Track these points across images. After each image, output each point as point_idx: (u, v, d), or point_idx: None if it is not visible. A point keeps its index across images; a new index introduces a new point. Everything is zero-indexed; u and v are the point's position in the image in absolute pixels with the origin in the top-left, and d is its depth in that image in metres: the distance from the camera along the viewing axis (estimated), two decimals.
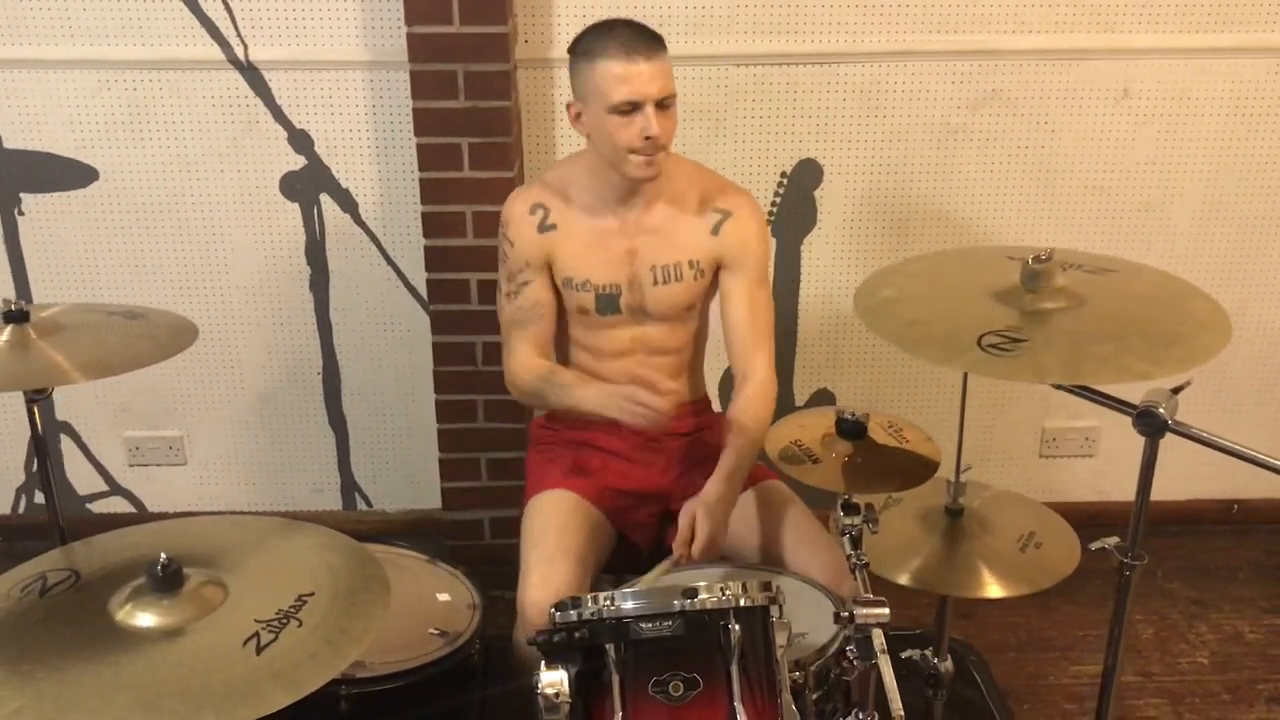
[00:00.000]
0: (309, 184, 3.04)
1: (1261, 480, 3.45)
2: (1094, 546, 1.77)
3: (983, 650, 2.91)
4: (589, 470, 2.29)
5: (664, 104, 2.08)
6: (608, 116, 2.07)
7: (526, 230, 2.23)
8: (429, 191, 2.92)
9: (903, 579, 1.83)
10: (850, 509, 1.71)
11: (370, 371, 3.24)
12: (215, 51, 2.91)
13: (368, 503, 3.39)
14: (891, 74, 2.98)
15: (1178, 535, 3.39)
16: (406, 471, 3.35)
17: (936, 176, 3.08)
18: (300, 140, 3.00)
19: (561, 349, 2.37)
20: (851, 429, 1.82)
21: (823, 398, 3.28)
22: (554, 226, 2.23)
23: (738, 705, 1.54)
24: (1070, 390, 1.63)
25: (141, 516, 3.35)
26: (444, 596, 2.12)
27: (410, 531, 3.36)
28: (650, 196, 2.21)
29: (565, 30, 2.91)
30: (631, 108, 2.05)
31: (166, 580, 1.58)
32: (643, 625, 1.54)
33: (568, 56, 2.87)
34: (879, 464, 1.79)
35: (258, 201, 3.05)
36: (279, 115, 2.98)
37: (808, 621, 1.85)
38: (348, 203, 3.06)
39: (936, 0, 2.91)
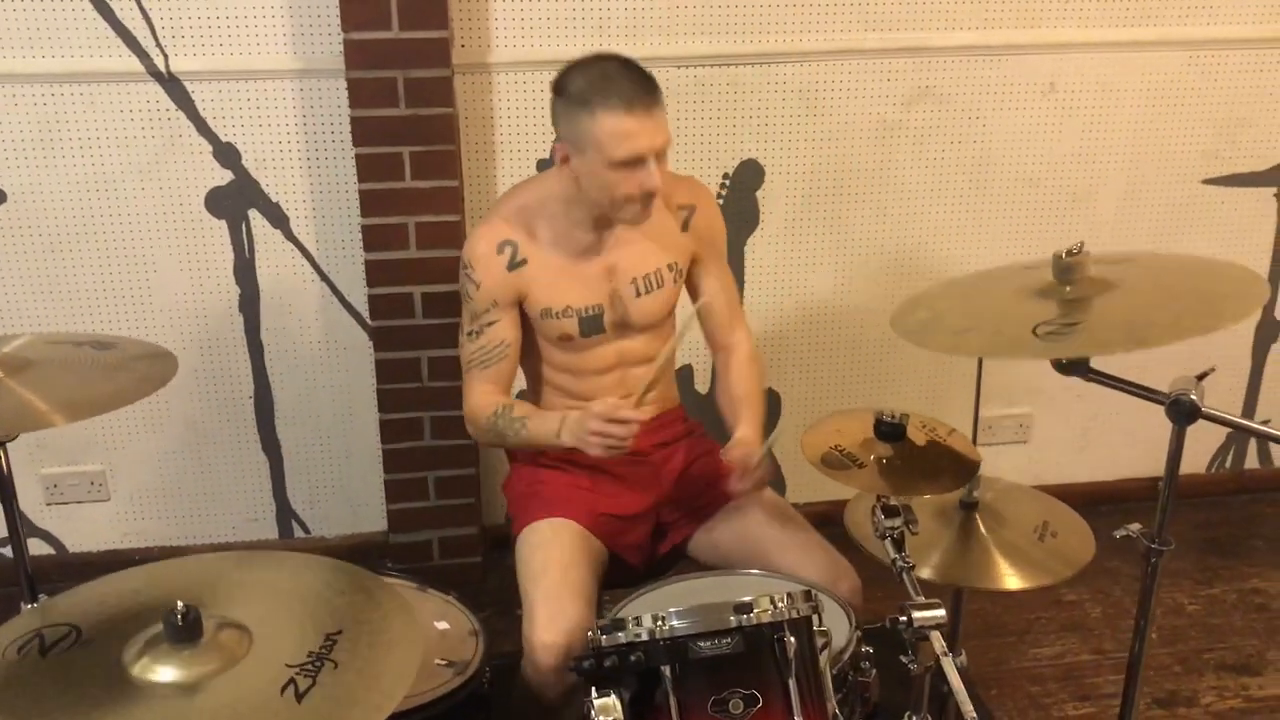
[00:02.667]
0: (237, 199, 2.91)
1: (1183, 458, 3.59)
2: (1119, 534, 1.80)
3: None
4: (579, 494, 2.23)
5: (660, 154, 2.02)
6: (607, 170, 1.99)
7: (494, 269, 2.13)
8: (369, 203, 2.82)
9: (925, 573, 1.84)
10: (890, 511, 1.70)
11: (305, 393, 3.11)
12: (133, 63, 2.76)
13: (305, 529, 3.26)
14: (828, 73, 3.00)
15: (1110, 515, 3.45)
16: (346, 495, 3.23)
17: (874, 173, 3.11)
18: (226, 154, 2.86)
19: (536, 373, 2.30)
20: (891, 431, 1.82)
21: (768, 398, 3.28)
22: (524, 262, 2.13)
23: (799, 719, 1.51)
24: (1098, 380, 1.65)
25: (61, 558, 3.15)
26: (442, 625, 2.04)
27: (352, 557, 3.20)
28: None
29: (502, 34, 2.84)
30: (635, 162, 1.98)
31: (186, 629, 1.48)
32: (701, 644, 1.50)
33: (506, 62, 2.86)
34: (920, 466, 1.79)
35: (182, 219, 2.90)
36: (203, 128, 2.83)
37: None
38: (278, 218, 2.94)
39: None
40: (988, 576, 1.88)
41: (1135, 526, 1.78)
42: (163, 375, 1.80)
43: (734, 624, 1.52)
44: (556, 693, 1.97)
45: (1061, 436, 3.48)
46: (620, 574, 2.25)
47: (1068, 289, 1.72)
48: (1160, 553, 1.77)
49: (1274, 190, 3.28)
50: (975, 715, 1.48)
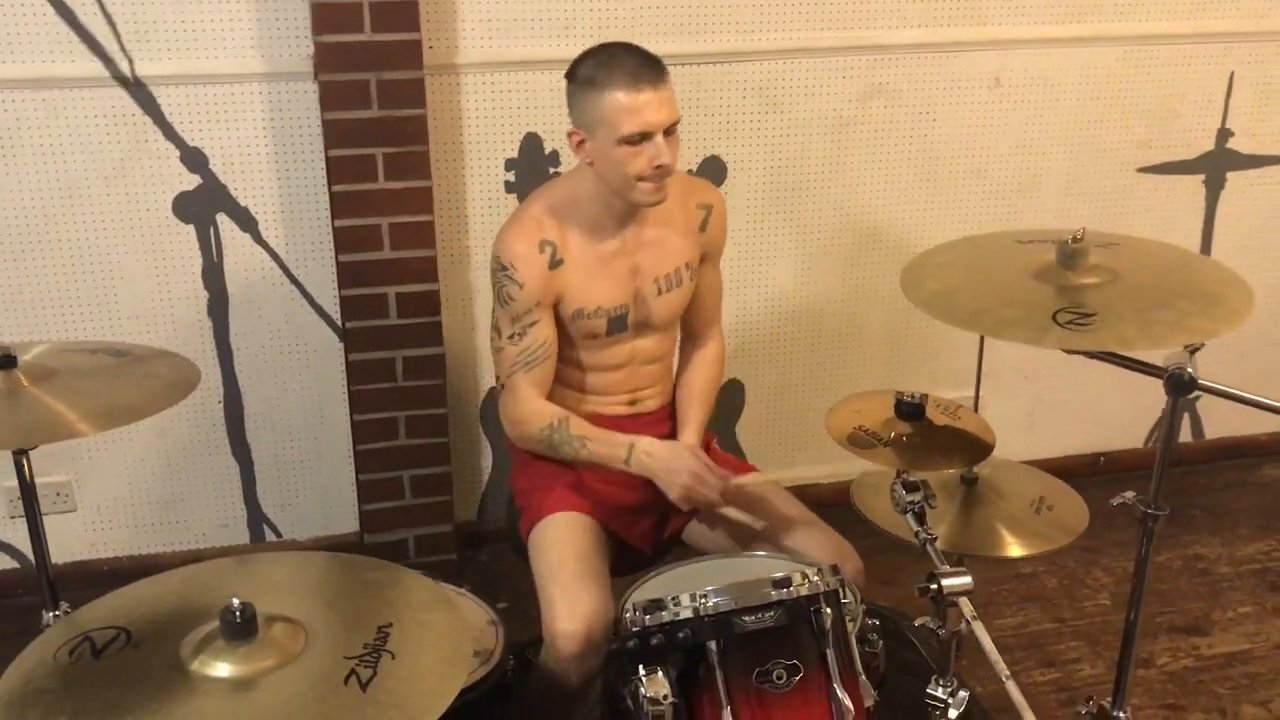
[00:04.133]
0: (204, 204, 2.89)
1: (1121, 433, 3.77)
2: (1115, 501, 1.92)
3: (911, 614, 3.06)
4: (589, 487, 2.27)
5: (670, 130, 2.08)
6: (616, 148, 2.05)
7: (537, 269, 2.15)
8: (342, 205, 2.83)
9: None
10: (911, 487, 1.79)
11: (275, 397, 3.10)
12: (97, 67, 2.73)
13: (277, 533, 3.25)
14: (787, 71, 3.08)
15: None
16: (317, 497, 3.23)
17: (830, 167, 3.21)
18: (194, 158, 2.85)
19: None
20: (911, 411, 1.91)
21: (732, 388, 3.36)
22: (562, 262, 2.17)
23: (837, 686, 1.59)
24: (1100, 357, 1.75)
25: (26, 571, 3.10)
26: None
27: None
28: (645, 210, 2.21)
29: (470, 35, 2.87)
30: (641, 138, 2.04)
31: (243, 626, 1.50)
32: (745, 618, 1.57)
33: (474, 63, 2.90)
34: (938, 443, 1.88)
35: (148, 225, 2.88)
36: (170, 133, 2.81)
37: None
38: (247, 222, 2.93)
39: None
40: (992, 545, 1.99)
41: (1130, 494, 1.90)
42: (188, 381, 1.80)
43: (775, 598, 1.59)
44: (577, 679, 2.02)
45: (1010, 417, 3.62)
46: (628, 560, 2.30)
47: (1070, 274, 1.82)
48: (1156, 517, 1.89)
49: (1202, 177, 3.46)
50: (1009, 674, 1.58)
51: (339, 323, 3.02)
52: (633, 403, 2.33)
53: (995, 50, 3.18)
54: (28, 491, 1.81)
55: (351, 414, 3.03)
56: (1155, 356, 1.85)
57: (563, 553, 2.13)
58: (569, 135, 2.14)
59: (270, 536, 3.24)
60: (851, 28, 3.07)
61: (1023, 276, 1.85)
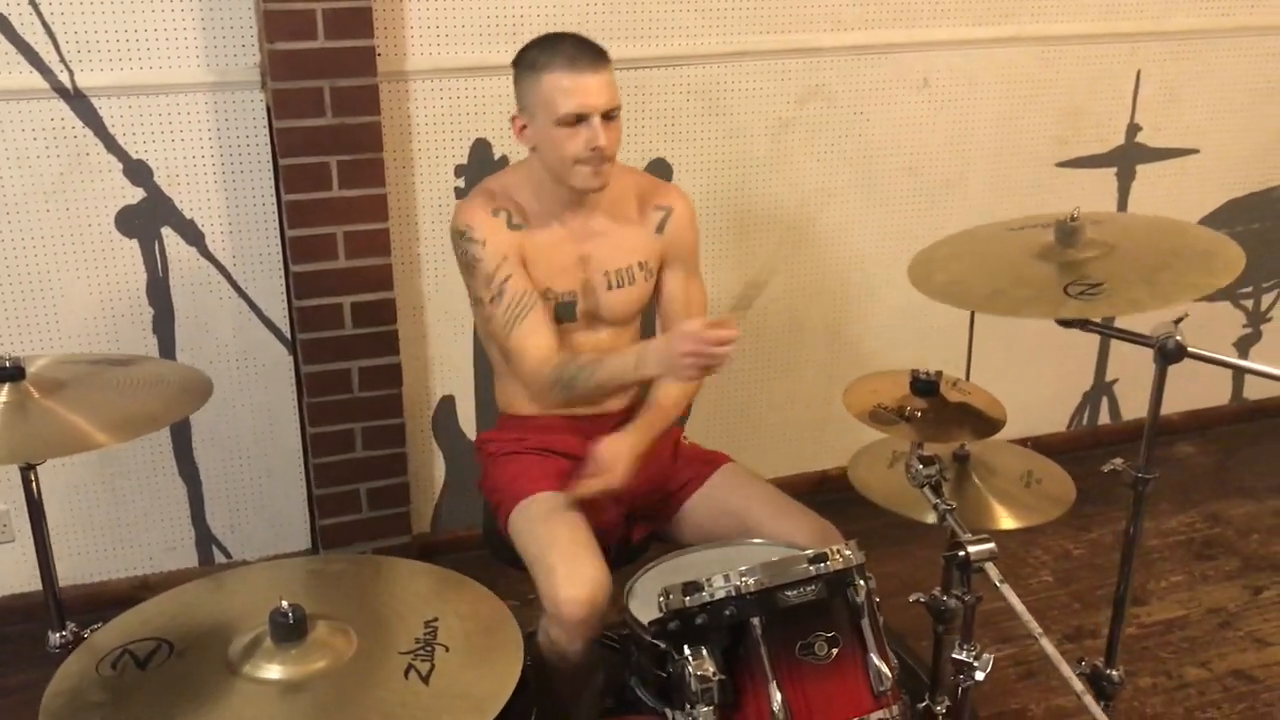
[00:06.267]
0: (149, 218, 2.82)
1: (1044, 418, 3.93)
2: (1107, 468, 2.01)
3: None
4: (561, 470, 2.27)
5: (609, 115, 2.12)
6: (555, 129, 2.09)
7: (497, 227, 2.18)
8: (296, 214, 2.79)
9: (931, 518, 1.98)
10: (928, 461, 1.85)
11: (223, 414, 3.03)
12: (35, 79, 2.64)
13: (226, 554, 3.17)
14: (728, 74, 3.15)
15: None
16: (267, 516, 3.16)
17: (771, 167, 3.28)
18: (137, 171, 2.78)
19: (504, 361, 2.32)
20: (926, 387, 1.98)
21: None
22: (521, 226, 2.20)
23: (874, 655, 1.64)
24: (1095, 330, 1.84)
25: None
26: None
27: None
28: (594, 202, 2.24)
29: (418, 42, 2.87)
30: (578, 120, 2.08)
31: (294, 628, 1.48)
32: (788, 593, 1.61)
33: (423, 69, 2.89)
34: (953, 417, 1.95)
35: (90, 241, 2.79)
36: (112, 146, 2.74)
37: None
38: (193, 235, 2.86)
39: (766, 3, 3.10)
40: (986, 519, 2.07)
41: (1118, 461, 1.99)
42: (202, 388, 1.76)
43: (814, 573, 1.63)
44: (577, 656, 2.02)
45: None
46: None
47: (1071, 251, 1.92)
48: (1146, 481, 1.98)
49: (1114, 170, 3.64)
50: (1041, 631, 1.65)
51: (288, 336, 2.97)
52: (593, 401, 2.31)
53: (923, 51, 3.30)
54: (35, 508, 1.74)
55: (308, 427, 2.98)
56: (1144, 325, 1.95)
57: (552, 526, 2.12)
58: (512, 120, 2.19)
59: (219, 558, 3.16)
60: (789, 31, 3.15)
61: (1025, 258, 1.94)
